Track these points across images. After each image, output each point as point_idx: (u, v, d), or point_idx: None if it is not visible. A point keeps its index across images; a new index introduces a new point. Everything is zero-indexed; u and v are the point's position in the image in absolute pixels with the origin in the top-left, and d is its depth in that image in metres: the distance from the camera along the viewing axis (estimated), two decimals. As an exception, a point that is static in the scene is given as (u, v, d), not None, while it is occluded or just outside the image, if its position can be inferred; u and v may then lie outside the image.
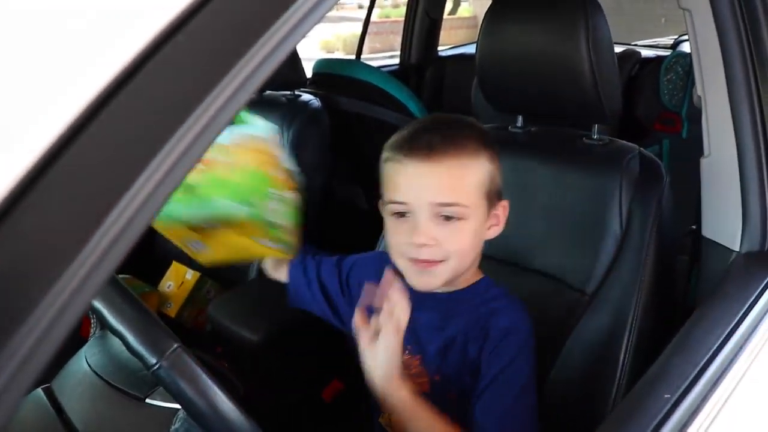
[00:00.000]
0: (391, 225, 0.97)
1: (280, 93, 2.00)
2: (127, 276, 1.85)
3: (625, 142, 1.27)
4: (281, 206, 1.03)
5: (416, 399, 0.92)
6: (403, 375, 0.98)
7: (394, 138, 0.99)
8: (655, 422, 0.69)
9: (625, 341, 1.12)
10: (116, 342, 0.86)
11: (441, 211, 0.92)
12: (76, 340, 1.06)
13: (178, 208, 0.89)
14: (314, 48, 9.90)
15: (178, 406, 0.81)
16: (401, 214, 0.94)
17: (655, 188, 1.17)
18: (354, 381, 1.44)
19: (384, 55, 5.99)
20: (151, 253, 2.09)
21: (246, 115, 0.96)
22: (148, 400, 0.87)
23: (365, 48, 3.16)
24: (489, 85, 1.33)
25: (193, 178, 0.88)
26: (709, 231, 1.16)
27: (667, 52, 2.73)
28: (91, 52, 0.38)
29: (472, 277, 1.03)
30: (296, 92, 2.02)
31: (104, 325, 0.83)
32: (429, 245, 0.92)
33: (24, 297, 0.36)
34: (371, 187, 2.30)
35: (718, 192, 1.13)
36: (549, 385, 1.14)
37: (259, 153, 0.96)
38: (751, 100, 1.03)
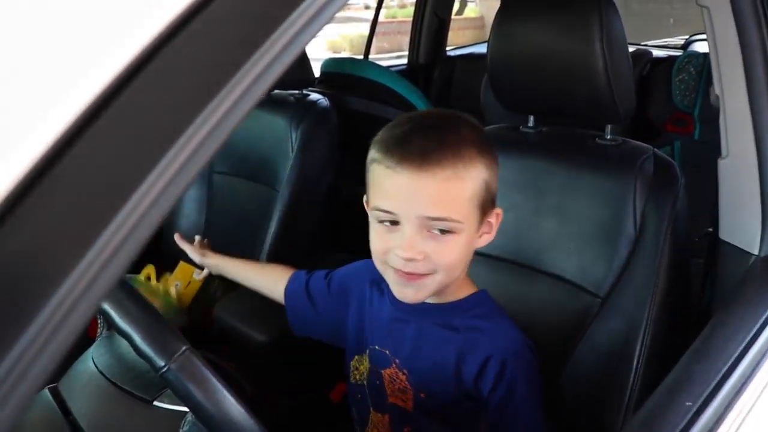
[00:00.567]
0: (376, 230, 0.91)
1: (289, 92, 1.99)
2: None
3: (638, 142, 1.25)
4: None
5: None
6: (389, 388, 0.99)
7: (383, 136, 0.90)
8: (676, 430, 0.68)
9: (639, 346, 1.11)
10: (124, 343, 0.85)
11: (431, 225, 0.86)
12: (83, 340, 1.04)
13: None
14: (321, 48, 9.90)
15: (186, 409, 0.79)
16: (387, 222, 0.88)
17: (670, 190, 1.15)
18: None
19: (391, 55, 5.98)
20: (158, 252, 2.08)
21: None
22: (155, 403, 0.86)
23: (372, 48, 3.15)
24: (500, 85, 1.31)
25: None
26: (726, 234, 1.14)
27: (677, 53, 2.71)
28: (100, 41, 0.36)
29: (463, 287, 0.98)
30: (305, 91, 2.01)
31: (112, 326, 0.81)
32: (416, 259, 0.86)
33: (30, 297, 0.34)
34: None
35: (736, 194, 1.10)
36: (559, 389, 1.13)
37: None
38: (772, 100, 1.01)
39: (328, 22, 0.47)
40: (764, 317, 0.87)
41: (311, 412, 1.58)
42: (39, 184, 0.34)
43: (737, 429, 0.72)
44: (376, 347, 1.01)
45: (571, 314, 1.18)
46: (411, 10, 3.12)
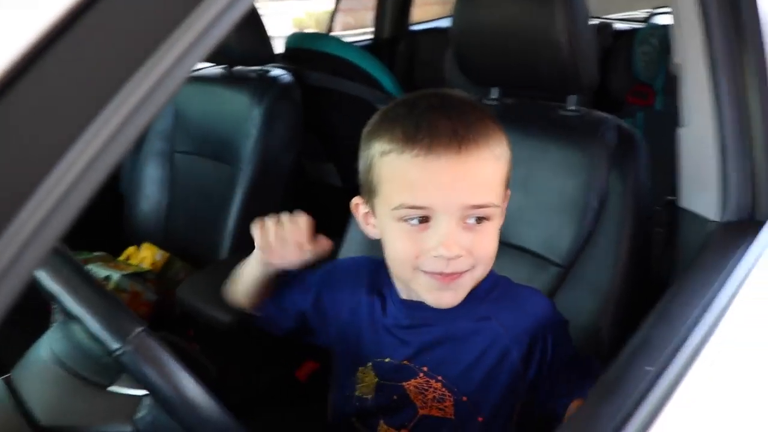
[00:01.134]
0: (399, 234, 0.80)
1: (251, 68, 1.96)
2: (101, 253, 1.83)
3: (601, 113, 1.25)
4: None
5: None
6: (419, 400, 0.90)
7: (390, 122, 0.80)
8: (637, 394, 0.68)
9: (603, 314, 1.12)
10: (79, 329, 0.82)
11: (470, 214, 0.77)
12: (37, 329, 1.01)
13: None
14: (286, 25, 9.77)
15: (144, 392, 0.78)
16: (416, 221, 0.78)
17: (632, 160, 1.16)
18: (327, 360, 1.43)
19: (357, 31, 5.92)
20: (119, 234, 2.05)
21: None
22: (111, 388, 0.84)
23: (337, 25, 3.11)
24: (465, 58, 1.31)
25: None
26: (686, 201, 1.15)
27: (640, 26, 2.73)
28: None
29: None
30: (266, 67, 1.97)
31: (66, 311, 0.79)
32: (459, 256, 0.77)
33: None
34: (343, 164, 2.28)
35: (695, 162, 1.11)
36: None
37: None
38: (731, 69, 1.01)
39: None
40: (719, 281, 0.88)
41: (278, 392, 1.57)
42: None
43: (695, 391, 0.73)
44: (386, 360, 0.92)
45: (537, 286, 1.18)
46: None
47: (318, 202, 2.24)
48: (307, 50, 2.35)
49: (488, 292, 0.89)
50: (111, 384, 0.82)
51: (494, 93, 1.34)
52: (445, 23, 2.84)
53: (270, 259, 0.95)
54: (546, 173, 1.20)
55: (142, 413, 0.78)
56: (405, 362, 0.90)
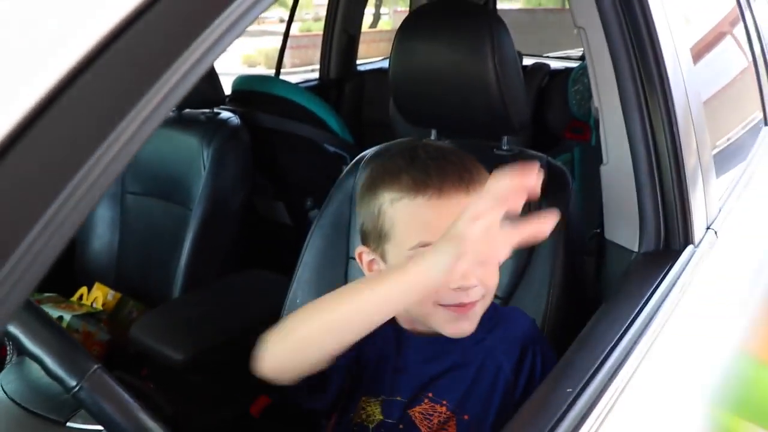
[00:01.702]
0: None
1: (200, 111, 2.01)
2: (52, 294, 1.83)
3: (533, 152, 1.33)
4: None
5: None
6: (424, 426, 0.93)
7: (395, 177, 0.87)
8: (557, 415, 0.74)
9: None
10: (34, 367, 0.85)
11: None
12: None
13: None
14: (236, 63, 9.79)
15: (100, 427, 0.81)
16: None
17: (562, 195, 1.22)
18: (281, 395, 1.46)
19: (305, 69, 6.00)
20: (71, 274, 2.05)
21: None
22: (69, 424, 0.86)
23: (287, 63, 3.18)
24: (402, 100, 1.37)
25: None
26: (610, 233, 1.23)
27: (576, 64, 2.86)
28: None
29: None
30: (215, 110, 2.02)
31: (21, 350, 0.82)
32: (475, 285, 0.85)
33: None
34: (293, 202, 2.33)
35: (616, 197, 1.20)
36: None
37: None
38: (641, 112, 1.10)
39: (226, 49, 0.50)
40: (638, 307, 0.95)
41: (232, 428, 1.59)
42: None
43: (609, 410, 0.79)
44: (399, 398, 0.96)
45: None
46: (323, 24, 3.17)
47: (268, 239, 2.29)
48: (254, 92, 2.41)
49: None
50: (68, 420, 0.85)
51: (433, 134, 1.41)
52: (390, 64, 2.94)
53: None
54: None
55: (98, 448, 0.81)
56: (413, 395, 0.95)
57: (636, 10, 1.07)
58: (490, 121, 1.28)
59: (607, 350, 0.86)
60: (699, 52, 1.32)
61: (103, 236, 2.04)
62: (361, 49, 3.21)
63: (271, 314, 1.40)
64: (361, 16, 3.17)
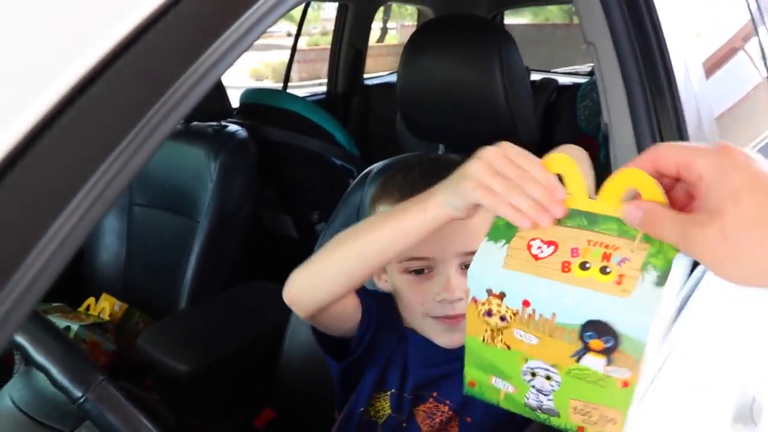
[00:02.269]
0: (407, 283, 0.89)
1: (207, 124, 2.01)
2: (60, 304, 1.84)
3: (541, 167, 1.33)
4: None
5: None
6: (426, 425, 0.94)
7: (387, 189, 0.91)
8: None
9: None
10: (41, 377, 0.85)
11: (467, 260, 0.85)
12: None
13: None
14: (243, 76, 9.85)
15: (104, 439, 0.81)
16: (420, 271, 0.87)
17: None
18: (286, 408, 1.45)
19: (313, 83, 6.03)
20: (78, 285, 2.06)
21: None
22: (74, 434, 0.87)
23: (294, 77, 3.19)
24: (410, 115, 1.37)
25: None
26: (618, 250, 1.22)
27: (585, 79, 2.86)
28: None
29: None
30: (223, 123, 2.03)
31: (28, 360, 0.82)
32: (461, 298, 0.85)
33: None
34: (299, 215, 2.33)
35: (626, 214, 1.19)
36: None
37: None
38: (651, 128, 1.09)
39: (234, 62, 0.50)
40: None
41: (236, 440, 1.58)
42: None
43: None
44: (400, 393, 0.98)
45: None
46: (331, 39, 3.19)
47: (275, 252, 2.28)
48: (262, 105, 2.42)
49: None
50: (74, 430, 0.85)
51: (441, 149, 1.41)
52: (398, 78, 2.95)
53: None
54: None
55: (103, 459, 0.81)
56: (417, 393, 0.97)
57: (646, 25, 1.07)
58: (497, 136, 1.27)
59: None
60: (711, 66, 1.31)
61: (110, 247, 2.05)
62: (368, 63, 3.22)
63: (277, 327, 1.40)
64: (368, 31, 3.18)
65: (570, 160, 0.62)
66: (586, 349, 0.54)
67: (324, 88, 3.17)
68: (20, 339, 0.79)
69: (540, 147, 2.43)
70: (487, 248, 0.60)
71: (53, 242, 0.38)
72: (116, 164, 0.41)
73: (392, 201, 0.89)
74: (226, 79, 2.01)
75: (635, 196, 0.57)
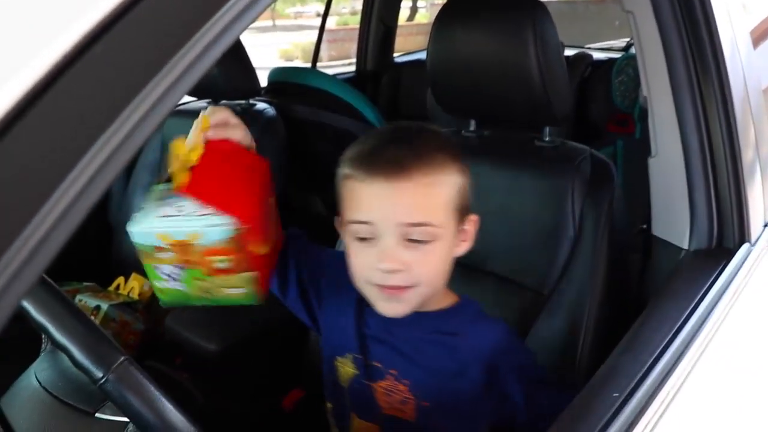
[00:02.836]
0: (353, 248, 0.90)
1: (235, 102, 1.99)
2: (90, 284, 1.85)
3: (576, 143, 1.29)
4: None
5: None
6: (384, 401, 0.97)
7: (352, 152, 0.90)
8: (603, 421, 0.70)
9: (581, 340, 1.14)
10: (66, 357, 0.84)
11: (410, 233, 0.85)
12: (25, 357, 1.03)
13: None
14: (273, 57, 9.87)
15: (127, 419, 0.79)
16: (365, 237, 0.87)
17: (606, 189, 1.18)
18: (314, 388, 1.44)
19: (342, 62, 6.00)
20: (108, 264, 2.07)
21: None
22: (97, 415, 0.85)
23: (323, 56, 3.17)
24: (441, 90, 1.34)
25: None
26: (658, 230, 1.18)
27: (619, 55, 2.78)
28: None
29: (447, 295, 0.98)
30: (251, 101, 2.01)
31: (52, 341, 0.81)
32: (398, 270, 0.85)
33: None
34: (328, 194, 2.31)
35: (665, 191, 1.14)
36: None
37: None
38: (694, 101, 1.05)
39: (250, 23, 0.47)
40: (689, 309, 0.90)
41: (264, 421, 1.58)
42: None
43: (660, 418, 0.75)
44: (362, 358, 0.99)
45: (516, 312, 1.20)
46: (360, 17, 3.14)
47: (304, 229, 2.27)
48: (290, 84, 2.39)
49: (456, 311, 0.97)
50: (97, 410, 0.84)
51: (472, 125, 1.37)
52: (428, 55, 2.90)
53: None
54: (523, 203, 1.23)
55: (125, 440, 0.80)
56: (375, 364, 0.98)
57: (690, -10, 1.02)
58: (530, 111, 1.24)
59: (656, 354, 0.81)
60: (759, 36, 1.24)
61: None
62: (398, 42, 3.17)
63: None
64: (398, 8, 3.13)
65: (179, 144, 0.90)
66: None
67: (353, 68, 3.13)
68: (42, 319, 0.78)
69: (574, 123, 2.39)
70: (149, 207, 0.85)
71: (60, 204, 0.36)
72: (122, 130, 0.38)
73: (351, 162, 0.89)
74: (256, 60, 1.99)
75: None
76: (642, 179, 1.26)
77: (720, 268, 1.01)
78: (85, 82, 0.38)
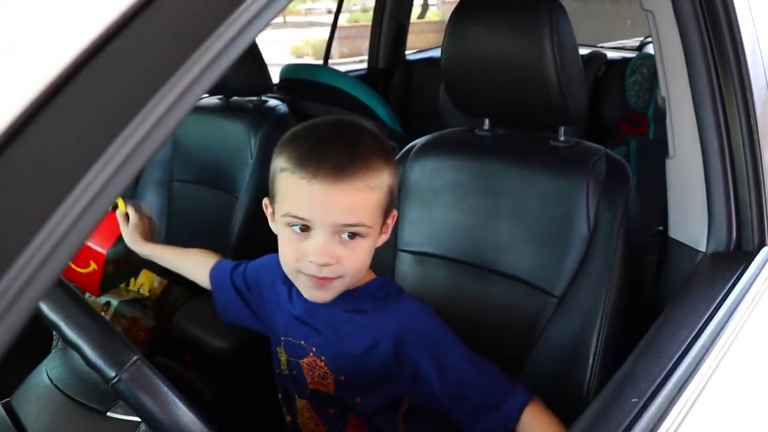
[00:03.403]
0: (286, 237, 0.95)
1: (247, 99, 1.99)
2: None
3: (591, 143, 1.27)
4: None
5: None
6: (309, 376, 1.04)
7: (290, 146, 0.94)
8: (622, 427, 0.69)
9: (594, 343, 1.12)
10: (77, 355, 0.84)
11: (343, 231, 0.91)
12: (36, 354, 1.03)
13: None
14: (284, 53, 9.87)
15: (139, 419, 0.79)
16: (299, 228, 0.92)
17: (621, 190, 1.17)
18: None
19: (353, 59, 5.99)
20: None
21: None
22: (109, 414, 0.85)
23: (334, 53, 3.16)
24: (455, 89, 1.32)
25: None
26: (675, 232, 1.16)
27: (633, 54, 2.76)
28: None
29: (366, 275, 1.03)
30: (263, 98, 2.00)
31: (64, 339, 0.81)
32: (329, 264, 0.91)
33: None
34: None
35: (683, 193, 1.13)
36: (519, 388, 1.14)
37: None
38: (714, 101, 1.03)
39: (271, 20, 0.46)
40: (708, 313, 0.89)
41: (274, 419, 1.57)
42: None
43: (680, 424, 0.73)
44: (291, 339, 1.06)
45: (528, 314, 1.19)
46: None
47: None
48: (302, 80, 2.39)
49: (372, 292, 1.03)
50: (109, 409, 0.84)
51: (486, 124, 1.36)
52: (440, 53, 2.89)
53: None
54: (536, 203, 1.22)
55: (137, 440, 0.79)
56: (301, 342, 1.04)
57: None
58: (546, 111, 1.23)
59: (675, 360, 0.80)
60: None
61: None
62: (409, 39, 3.16)
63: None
64: (410, 5, 3.12)
65: None
66: None
67: (363, 65, 3.12)
68: (55, 318, 0.77)
69: (589, 123, 2.37)
70: None
71: (80, 201, 0.35)
72: (143, 126, 0.37)
73: (289, 157, 0.91)
74: (267, 57, 1.98)
75: None
76: (655, 180, 1.25)
77: (739, 271, 1.00)
78: (105, 77, 0.37)
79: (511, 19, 1.20)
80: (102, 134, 0.36)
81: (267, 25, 0.44)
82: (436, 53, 3.24)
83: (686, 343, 0.83)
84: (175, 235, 2.02)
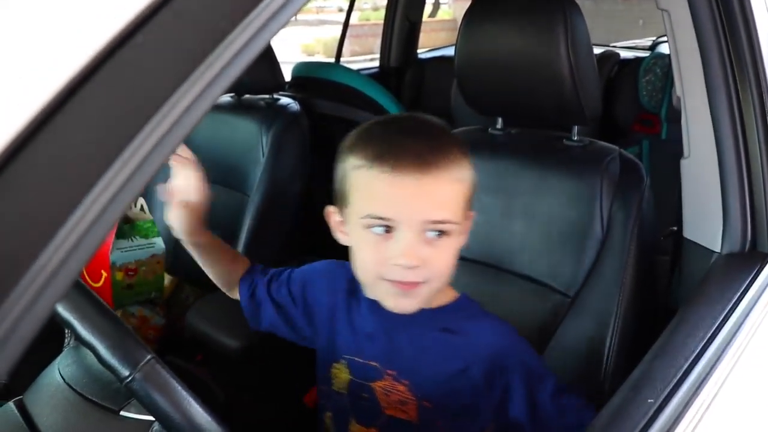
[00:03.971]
0: (365, 241, 0.86)
1: (259, 97, 1.99)
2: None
3: (605, 143, 1.27)
4: None
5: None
6: (384, 401, 0.95)
7: (363, 141, 0.87)
8: (639, 428, 0.69)
9: (608, 342, 1.12)
10: (90, 353, 0.84)
11: (429, 228, 0.83)
12: (49, 352, 1.03)
13: None
14: (295, 52, 9.88)
15: (152, 418, 0.79)
16: (382, 230, 0.84)
17: (635, 190, 1.16)
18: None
19: (364, 58, 5.98)
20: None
21: None
22: (122, 413, 0.85)
23: (345, 51, 3.16)
24: (468, 88, 1.32)
25: None
26: (689, 232, 1.15)
27: (645, 54, 2.74)
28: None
29: (447, 291, 0.96)
30: (275, 96, 2.00)
31: (76, 337, 0.81)
32: (416, 266, 0.83)
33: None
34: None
35: (698, 193, 1.12)
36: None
37: None
38: (729, 101, 1.02)
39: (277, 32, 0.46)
40: (724, 314, 0.88)
41: (286, 418, 1.57)
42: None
43: (697, 425, 0.73)
44: (358, 359, 0.98)
45: (542, 314, 1.19)
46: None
47: (326, 227, 2.26)
48: (314, 79, 2.38)
49: (456, 309, 0.95)
50: (122, 408, 0.84)
51: (499, 123, 1.35)
52: (453, 51, 2.88)
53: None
54: (550, 203, 1.21)
55: (152, 438, 0.79)
56: (373, 363, 0.96)
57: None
58: (559, 110, 1.23)
59: (690, 361, 0.79)
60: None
61: (160, 221, 2.04)
62: (420, 39, 3.15)
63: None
64: (422, 3, 3.11)
65: None
66: None
67: (375, 64, 3.12)
68: (68, 316, 0.77)
69: (601, 123, 2.36)
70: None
71: (100, 199, 0.35)
72: (165, 123, 0.37)
73: (364, 153, 0.85)
74: (278, 54, 1.98)
75: None
76: (667, 180, 1.24)
77: (754, 272, 0.99)
78: (126, 74, 0.37)
79: (526, 17, 1.20)
80: (122, 132, 0.35)
81: (286, 23, 0.44)
82: (448, 52, 3.25)
83: (702, 344, 0.82)
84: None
